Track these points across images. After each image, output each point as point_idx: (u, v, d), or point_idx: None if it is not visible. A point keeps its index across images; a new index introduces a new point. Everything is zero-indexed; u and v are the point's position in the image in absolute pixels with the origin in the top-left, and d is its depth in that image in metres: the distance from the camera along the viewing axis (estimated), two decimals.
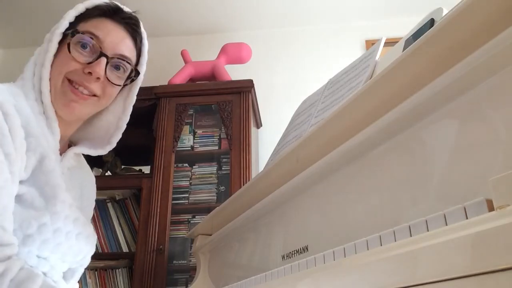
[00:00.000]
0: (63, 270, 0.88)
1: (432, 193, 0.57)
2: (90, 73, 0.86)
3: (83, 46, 0.87)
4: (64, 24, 0.88)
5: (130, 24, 0.94)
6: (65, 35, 0.89)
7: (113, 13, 0.92)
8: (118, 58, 0.90)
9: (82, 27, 0.89)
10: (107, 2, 0.93)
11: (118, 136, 1.00)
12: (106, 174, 2.42)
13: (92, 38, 0.87)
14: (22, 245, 0.76)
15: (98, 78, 0.87)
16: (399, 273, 0.43)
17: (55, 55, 0.88)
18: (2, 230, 0.70)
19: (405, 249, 0.43)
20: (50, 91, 0.86)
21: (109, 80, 0.89)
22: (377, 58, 0.97)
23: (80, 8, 0.90)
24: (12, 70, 2.97)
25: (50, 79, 0.87)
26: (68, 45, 0.86)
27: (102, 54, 0.87)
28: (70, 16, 0.89)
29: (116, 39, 0.90)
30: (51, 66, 0.87)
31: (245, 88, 2.27)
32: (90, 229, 0.93)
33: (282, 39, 2.91)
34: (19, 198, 0.77)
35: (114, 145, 1.00)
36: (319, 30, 2.90)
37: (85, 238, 0.89)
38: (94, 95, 0.89)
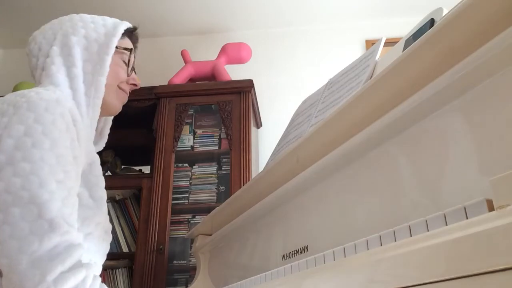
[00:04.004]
0: None
1: (432, 193, 0.57)
2: (134, 84, 1.01)
3: (129, 61, 1.00)
4: (115, 41, 0.95)
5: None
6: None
7: (132, 33, 1.05)
8: None
9: (122, 43, 0.99)
10: (131, 25, 1.05)
11: (107, 130, 1.07)
12: (106, 174, 2.42)
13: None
14: (84, 241, 0.80)
15: None
16: (399, 273, 0.43)
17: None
18: (75, 229, 0.72)
19: (405, 249, 0.43)
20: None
21: None
22: (377, 58, 0.97)
23: (122, 30, 0.98)
24: (12, 70, 2.99)
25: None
26: (129, 61, 1.00)
27: (134, 69, 1.03)
28: (119, 34, 0.97)
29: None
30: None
31: (245, 88, 2.27)
32: None
33: (282, 39, 2.90)
34: None
35: (106, 139, 1.07)
36: (319, 30, 2.89)
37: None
38: None
